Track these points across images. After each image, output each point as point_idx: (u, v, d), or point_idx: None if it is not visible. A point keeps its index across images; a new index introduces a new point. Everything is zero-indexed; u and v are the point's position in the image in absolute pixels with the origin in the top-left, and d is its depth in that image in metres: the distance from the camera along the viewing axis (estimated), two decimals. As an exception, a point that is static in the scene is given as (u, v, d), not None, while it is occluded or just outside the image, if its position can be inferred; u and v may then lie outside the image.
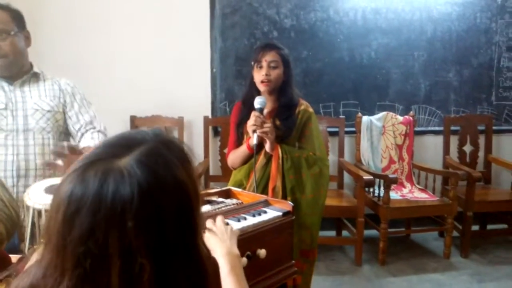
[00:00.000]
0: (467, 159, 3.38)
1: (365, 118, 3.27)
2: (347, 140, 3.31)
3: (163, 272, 0.56)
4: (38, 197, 1.23)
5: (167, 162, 0.59)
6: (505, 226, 3.34)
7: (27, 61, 1.72)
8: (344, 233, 3.21)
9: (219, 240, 0.97)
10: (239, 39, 3.23)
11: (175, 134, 3.20)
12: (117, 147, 0.59)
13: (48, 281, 0.56)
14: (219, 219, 1.06)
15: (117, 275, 0.54)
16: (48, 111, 1.69)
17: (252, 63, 1.83)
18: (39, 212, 1.19)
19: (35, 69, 1.73)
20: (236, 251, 0.96)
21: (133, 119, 3.14)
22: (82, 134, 1.74)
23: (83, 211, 0.54)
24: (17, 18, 1.64)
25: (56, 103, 1.72)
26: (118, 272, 0.54)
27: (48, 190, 1.27)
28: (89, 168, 0.56)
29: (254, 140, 1.73)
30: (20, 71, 1.69)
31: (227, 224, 1.10)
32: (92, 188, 0.54)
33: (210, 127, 3.21)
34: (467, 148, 3.40)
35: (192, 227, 0.61)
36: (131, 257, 0.54)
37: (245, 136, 1.86)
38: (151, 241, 0.55)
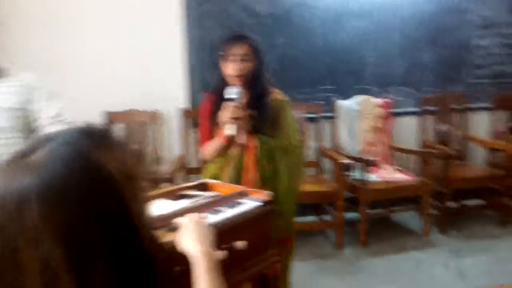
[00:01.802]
0: (444, 138, 3.45)
1: (342, 103, 3.29)
2: (325, 125, 3.33)
3: (82, 262, 0.54)
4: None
5: (81, 149, 0.56)
6: (482, 201, 3.43)
7: None
8: (325, 218, 3.25)
9: (194, 239, 0.94)
10: (213, 28, 3.18)
11: (152, 127, 3.17)
12: (31, 145, 0.58)
13: None
14: (195, 215, 1.04)
15: (29, 265, 0.53)
16: (15, 108, 1.65)
17: (221, 54, 1.78)
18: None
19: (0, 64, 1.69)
20: (211, 249, 0.94)
21: (107, 114, 3.09)
22: (49, 127, 1.70)
23: None
24: None
25: (21, 100, 1.68)
26: (29, 263, 0.53)
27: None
28: (4, 169, 0.56)
29: (233, 131, 1.71)
30: None
31: (205, 218, 1.09)
32: (2, 188, 0.54)
33: (187, 119, 3.19)
34: (443, 127, 3.46)
35: (122, 215, 0.57)
36: (36, 242, 0.52)
37: (218, 127, 1.83)
38: (56, 225, 0.53)
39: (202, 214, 1.08)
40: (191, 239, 0.95)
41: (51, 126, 1.69)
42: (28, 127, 1.70)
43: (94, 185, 0.56)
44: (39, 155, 0.55)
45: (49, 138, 0.58)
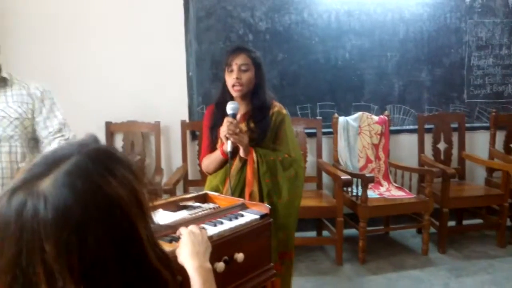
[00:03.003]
0: (442, 157, 3.46)
1: (341, 119, 3.31)
2: (324, 140, 3.34)
3: None
4: None
5: (90, 176, 0.56)
6: (480, 221, 3.42)
7: None
8: (325, 233, 3.23)
9: (191, 253, 0.94)
10: (214, 43, 3.22)
11: (152, 139, 3.17)
12: (40, 167, 0.57)
13: None
14: (194, 228, 1.03)
15: None
16: (16, 118, 1.64)
17: (224, 67, 1.83)
18: None
19: (3, 73, 1.68)
20: (208, 265, 0.93)
21: (108, 125, 3.10)
22: (49, 142, 1.69)
23: (7, 238, 0.54)
24: None
25: (24, 109, 1.67)
26: None
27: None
28: (14, 193, 0.55)
29: (228, 147, 1.72)
30: None
31: (203, 229, 1.08)
32: (14, 214, 0.54)
33: (188, 131, 3.19)
34: (441, 145, 3.48)
35: (133, 239, 0.58)
36: (55, 279, 0.53)
37: (219, 141, 1.84)
38: (75, 264, 0.53)
39: (201, 226, 1.07)
40: (186, 253, 0.94)
41: (53, 142, 1.69)
42: (28, 136, 1.69)
43: (107, 216, 0.56)
44: (48, 183, 0.55)
45: (55, 162, 0.57)
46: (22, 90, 1.69)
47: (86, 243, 0.54)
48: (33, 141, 1.72)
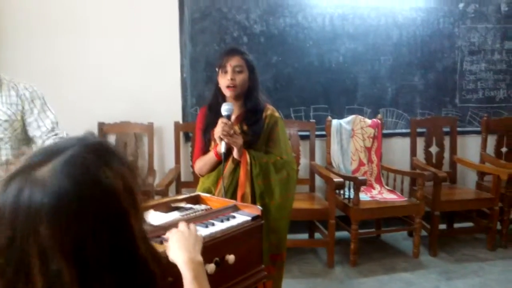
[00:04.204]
0: (433, 160, 3.48)
1: (334, 122, 3.33)
2: (317, 143, 3.35)
3: (88, 276, 0.56)
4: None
5: (88, 166, 0.58)
6: (471, 224, 3.45)
7: None
8: (317, 235, 3.24)
9: (180, 248, 0.95)
10: (209, 44, 3.22)
11: (145, 140, 3.16)
12: (38, 157, 0.60)
13: None
14: (182, 225, 1.04)
15: (40, 281, 0.55)
16: (5, 120, 1.63)
17: (217, 68, 1.83)
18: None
19: None
20: (199, 258, 0.94)
21: (101, 126, 3.09)
22: (44, 141, 1.69)
23: (2, 221, 0.56)
24: None
25: (13, 111, 1.66)
26: (40, 278, 0.55)
27: None
28: (11, 180, 0.57)
29: (222, 148, 1.72)
30: None
31: (193, 227, 1.09)
32: (11, 199, 0.56)
33: (181, 133, 3.19)
34: (433, 149, 3.51)
35: (125, 229, 0.60)
36: (48, 260, 0.55)
37: (212, 143, 1.84)
38: (68, 247, 0.55)
39: (190, 224, 1.08)
40: (176, 248, 0.95)
41: (48, 141, 1.68)
42: (18, 137, 1.68)
43: (102, 203, 0.58)
44: (46, 171, 0.57)
45: (54, 152, 0.60)
46: (11, 91, 1.68)
47: (80, 229, 0.56)
48: (23, 142, 1.71)
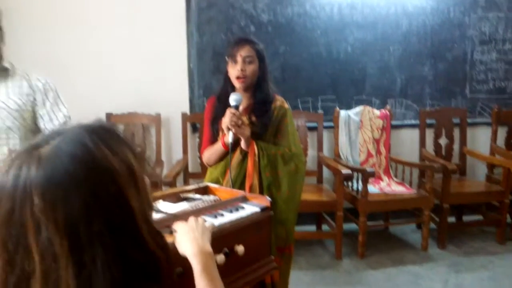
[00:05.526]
0: (443, 152, 3.44)
1: (343, 113, 3.29)
2: (325, 134, 3.32)
3: (80, 250, 0.57)
4: None
5: (86, 143, 0.60)
6: (480, 217, 3.42)
7: None
8: (324, 227, 3.23)
9: (188, 239, 0.93)
10: (216, 34, 3.19)
11: (153, 131, 3.15)
12: (40, 138, 0.62)
13: None
14: (191, 218, 1.03)
15: (37, 253, 0.56)
16: (15, 110, 1.62)
17: (227, 58, 1.80)
18: None
19: (5, 63, 1.65)
20: (208, 248, 0.93)
21: (109, 116, 3.08)
22: None
23: (4, 195, 0.58)
24: None
25: (24, 101, 1.64)
26: (36, 250, 0.56)
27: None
28: (14, 159, 0.60)
29: (229, 139, 1.70)
30: None
31: (201, 219, 1.08)
32: (12, 175, 0.58)
33: (189, 124, 3.18)
34: (443, 141, 3.46)
35: (123, 208, 0.60)
36: (41, 231, 0.56)
37: (220, 133, 1.82)
38: (60, 218, 0.56)
39: (199, 217, 1.06)
40: (184, 241, 0.95)
41: None
42: (27, 128, 1.67)
43: (97, 179, 0.59)
44: (47, 149, 0.59)
45: (58, 133, 0.62)
46: (23, 81, 1.66)
47: (73, 202, 0.57)
48: (32, 133, 1.69)
